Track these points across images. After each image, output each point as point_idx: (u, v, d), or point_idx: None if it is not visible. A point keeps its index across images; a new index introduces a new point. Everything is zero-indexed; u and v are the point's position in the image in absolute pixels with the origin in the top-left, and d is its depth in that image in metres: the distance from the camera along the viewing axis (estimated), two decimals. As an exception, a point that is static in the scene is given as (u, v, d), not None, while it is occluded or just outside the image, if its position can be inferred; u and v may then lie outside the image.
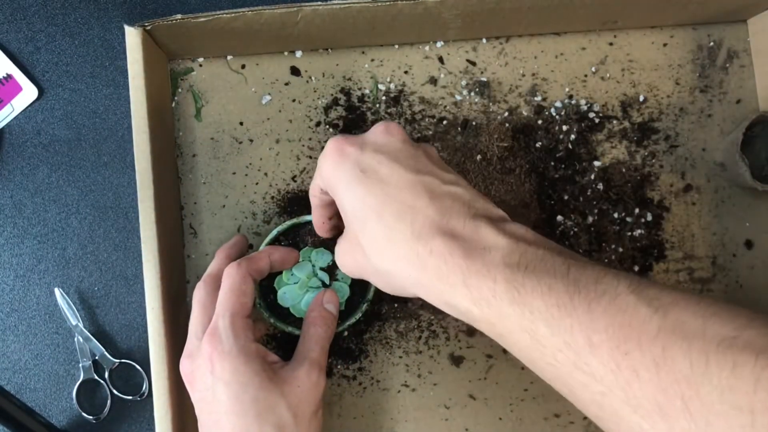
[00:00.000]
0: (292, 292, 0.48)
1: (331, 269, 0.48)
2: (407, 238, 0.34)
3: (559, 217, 0.52)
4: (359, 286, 0.48)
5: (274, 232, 0.48)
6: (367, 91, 0.53)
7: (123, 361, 0.51)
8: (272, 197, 0.52)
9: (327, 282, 0.48)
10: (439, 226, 0.34)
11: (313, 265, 0.48)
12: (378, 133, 0.38)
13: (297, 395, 0.40)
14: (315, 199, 0.43)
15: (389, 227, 0.34)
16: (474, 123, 0.53)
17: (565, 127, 0.53)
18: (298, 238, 0.49)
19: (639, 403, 0.28)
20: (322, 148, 0.52)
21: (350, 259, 0.39)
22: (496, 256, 0.32)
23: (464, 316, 0.34)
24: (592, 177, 0.53)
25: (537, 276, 0.31)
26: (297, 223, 0.48)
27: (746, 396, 0.25)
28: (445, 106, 0.53)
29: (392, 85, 0.53)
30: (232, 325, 0.40)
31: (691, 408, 0.26)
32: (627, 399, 0.28)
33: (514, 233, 0.33)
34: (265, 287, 0.48)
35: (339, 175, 0.36)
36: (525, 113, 0.53)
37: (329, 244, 0.48)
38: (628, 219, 0.53)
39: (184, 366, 0.42)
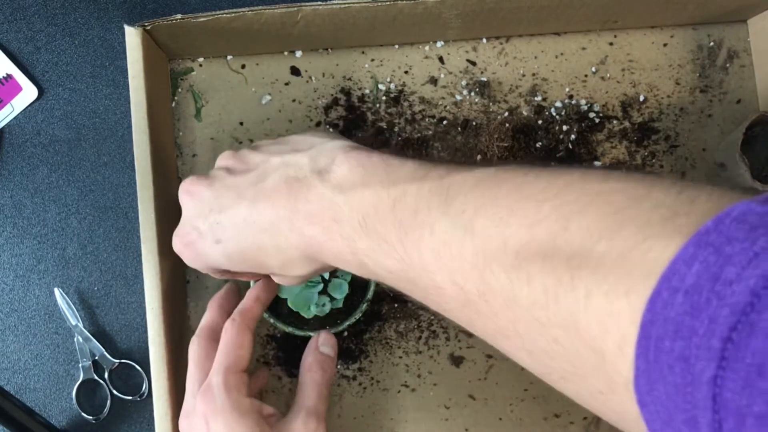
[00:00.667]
0: (291, 285, 0.47)
1: None
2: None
3: (559, 217, 0.52)
4: (359, 285, 0.48)
5: None
6: (367, 91, 0.53)
7: (123, 361, 0.51)
8: (272, 197, 0.52)
9: (326, 277, 0.48)
10: (298, 222, 0.35)
11: None
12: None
13: None
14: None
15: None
16: (474, 123, 0.53)
17: (565, 127, 0.53)
18: None
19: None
20: (322, 148, 0.52)
21: (288, 281, 0.40)
22: (345, 227, 0.33)
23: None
24: (593, 177, 0.53)
25: (375, 234, 0.32)
26: None
27: (544, 310, 0.25)
28: (445, 106, 0.53)
29: (392, 85, 0.53)
30: (225, 381, 0.39)
31: (518, 328, 0.27)
32: (482, 326, 0.30)
33: (344, 183, 0.34)
34: None
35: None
36: (525, 113, 0.53)
37: None
38: (629, 219, 0.53)
39: (182, 425, 0.42)
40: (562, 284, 0.24)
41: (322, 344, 0.44)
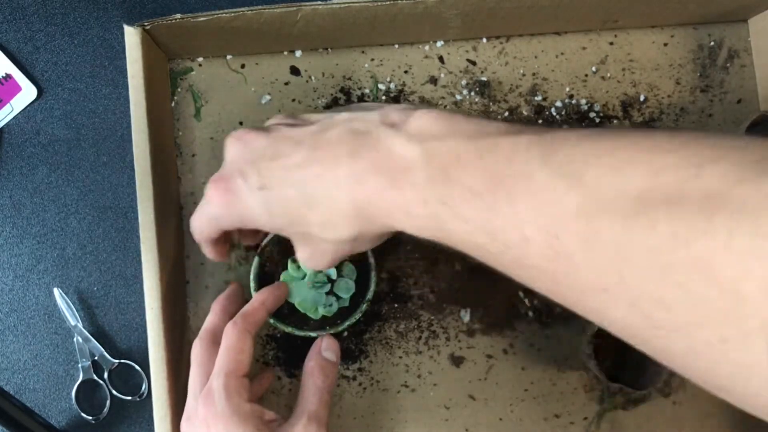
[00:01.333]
0: (298, 288, 0.47)
1: (338, 265, 0.48)
2: (343, 197, 0.34)
3: (560, 217, 0.52)
4: (359, 285, 0.48)
5: (272, 234, 0.47)
6: (367, 91, 0.53)
7: (122, 361, 0.51)
8: (272, 197, 0.52)
9: (333, 277, 0.48)
10: (359, 169, 0.33)
11: None
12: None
13: None
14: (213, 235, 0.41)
15: (323, 195, 0.34)
16: (474, 123, 0.53)
17: (565, 127, 0.53)
18: None
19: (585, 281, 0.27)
20: (322, 147, 0.52)
21: (318, 254, 0.38)
22: (418, 176, 0.31)
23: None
24: (593, 177, 0.53)
25: (457, 183, 0.31)
26: None
27: (669, 254, 0.24)
28: (446, 106, 0.53)
29: (392, 85, 0.53)
30: (225, 386, 0.39)
31: (626, 277, 0.25)
32: (571, 281, 0.28)
33: (422, 133, 0.32)
34: (261, 272, 0.48)
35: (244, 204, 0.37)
36: (525, 113, 0.53)
37: None
38: (629, 219, 0.53)
39: (184, 428, 0.41)
40: (696, 227, 0.23)
41: (325, 349, 0.44)
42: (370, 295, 0.47)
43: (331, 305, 0.47)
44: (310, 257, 0.38)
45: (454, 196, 0.30)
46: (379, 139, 0.33)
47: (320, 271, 0.47)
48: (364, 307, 0.47)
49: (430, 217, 0.31)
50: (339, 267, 0.48)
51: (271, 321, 0.47)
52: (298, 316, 0.48)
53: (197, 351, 0.43)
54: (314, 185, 0.34)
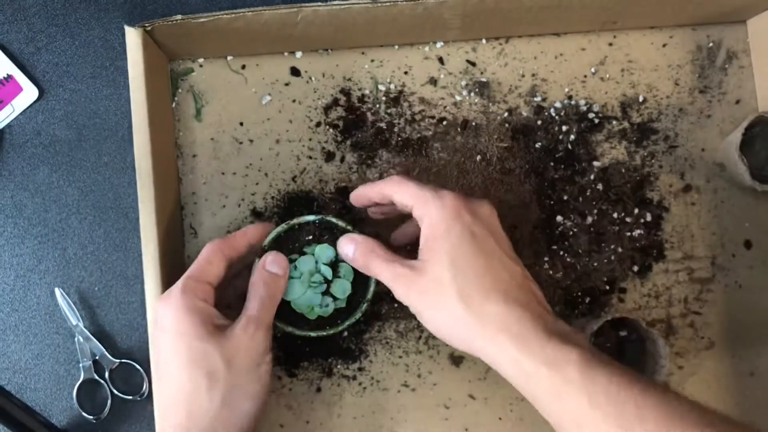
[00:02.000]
0: (293, 286, 0.47)
1: (334, 265, 0.48)
2: (503, 303, 0.39)
3: (559, 218, 0.53)
4: (359, 285, 0.48)
5: (274, 234, 0.48)
6: (367, 92, 0.53)
7: (123, 361, 0.51)
8: (272, 197, 0.52)
9: (329, 277, 0.48)
10: (524, 319, 0.38)
11: (317, 261, 0.48)
12: (486, 209, 0.42)
13: (232, 346, 0.41)
14: (375, 197, 0.45)
15: (491, 285, 0.40)
16: (474, 123, 0.53)
17: (564, 128, 0.53)
18: (297, 243, 0.48)
19: None
20: (323, 148, 0.53)
21: (430, 307, 0.42)
22: (570, 371, 0.36)
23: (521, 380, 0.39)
24: (592, 177, 0.53)
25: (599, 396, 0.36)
26: (298, 224, 0.48)
27: None
28: (445, 107, 0.53)
29: (392, 86, 0.53)
30: (183, 284, 0.42)
31: None
32: None
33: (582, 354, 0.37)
34: None
35: (450, 230, 0.41)
36: (525, 114, 0.53)
37: (332, 240, 0.48)
38: (628, 219, 0.53)
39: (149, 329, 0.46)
40: None
41: (270, 263, 0.45)
42: (370, 295, 0.47)
43: (327, 306, 0.48)
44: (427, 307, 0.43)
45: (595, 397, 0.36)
46: None
47: (317, 271, 0.47)
48: (364, 306, 0.47)
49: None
50: (336, 266, 0.48)
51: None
52: (298, 316, 0.48)
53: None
54: None
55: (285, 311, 0.48)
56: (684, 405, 0.35)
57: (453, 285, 0.40)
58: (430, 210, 0.42)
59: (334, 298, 0.48)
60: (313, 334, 0.47)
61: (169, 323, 0.41)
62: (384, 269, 0.43)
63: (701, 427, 0.34)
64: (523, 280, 0.41)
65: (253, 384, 0.42)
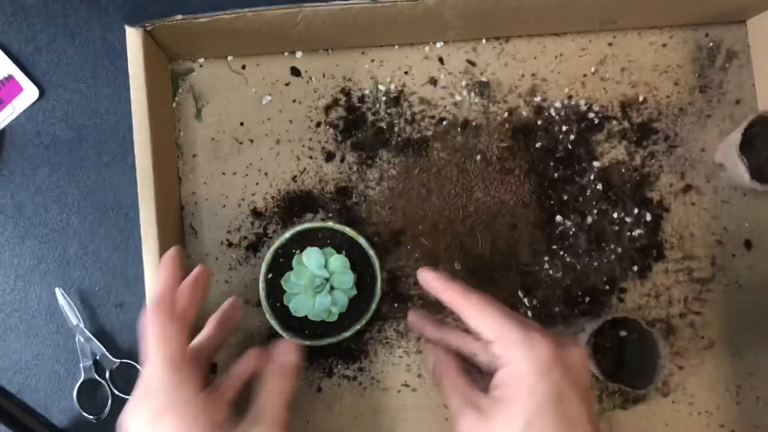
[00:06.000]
0: (299, 301, 0.49)
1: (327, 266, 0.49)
2: None
3: (559, 218, 0.53)
4: (363, 289, 0.49)
5: (272, 250, 0.49)
6: (367, 92, 0.53)
7: (123, 360, 0.51)
8: (272, 197, 0.52)
9: (327, 276, 0.49)
10: None
11: (306, 267, 0.49)
12: (578, 357, 0.37)
13: None
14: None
15: None
16: (474, 123, 0.53)
17: (564, 128, 0.53)
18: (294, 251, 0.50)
19: None
20: (323, 148, 0.53)
21: None
22: None
23: None
24: (592, 177, 0.53)
25: None
26: (292, 235, 0.49)
27: None
28: (445, 107, 0.53)
29: (392, 86, 0.53)
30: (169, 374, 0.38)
31: None
32: None
33: None
34: (270, 286, 0.49)
35: (536, 388, 0.35)
36: (525, 113, 0.53)
37: (316, 244, 0.49)
38: (628, 219, 0.53)
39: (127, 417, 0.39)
40: None
41: (283, 353, 0.42)
42: (374, 304, 0.49)
43: (338, 302, 0.49)
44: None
45: None
46: None
47: (314, 277, 0.48)
48: (369, 316, 0.49)
49: None
50: (330, 278, 0.49)
51: (285, 335, 0.48)
52: (308, 325, 0.49)
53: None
54: None
55: (295, 324, 0.49)
56: None
57: None
58: (516, 356, 0.36)
59: (343, 292, 0.49)
60: (324, 342, 0.48)
61: None
62: (453, 397, 0.39)
63: None
64: None
65: None
